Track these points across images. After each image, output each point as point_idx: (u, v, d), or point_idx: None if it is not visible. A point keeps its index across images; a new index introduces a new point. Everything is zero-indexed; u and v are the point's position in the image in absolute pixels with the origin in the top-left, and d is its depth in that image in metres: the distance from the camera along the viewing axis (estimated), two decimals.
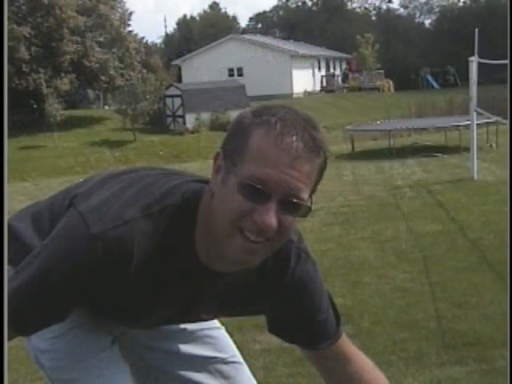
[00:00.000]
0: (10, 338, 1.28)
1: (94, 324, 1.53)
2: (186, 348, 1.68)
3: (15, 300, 1.26)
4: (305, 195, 1.19)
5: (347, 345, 1.57)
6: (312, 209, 1.22)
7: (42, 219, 1.48)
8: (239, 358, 1.74)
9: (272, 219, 1.17)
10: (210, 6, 61.77)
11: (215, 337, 1.71)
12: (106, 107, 35.61)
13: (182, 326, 1.67)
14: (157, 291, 1.35)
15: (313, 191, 1.23)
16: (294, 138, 1.17)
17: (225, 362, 1.70)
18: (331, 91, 40.52)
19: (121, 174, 1.44)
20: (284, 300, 1.45)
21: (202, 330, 1.69)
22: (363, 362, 1.58)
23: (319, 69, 42.57)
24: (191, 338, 1.68)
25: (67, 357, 1.50)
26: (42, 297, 1.27)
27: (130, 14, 33.76)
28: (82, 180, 1.55)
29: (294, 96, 36.11)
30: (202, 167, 12.26)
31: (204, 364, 1.68)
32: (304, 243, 1.45)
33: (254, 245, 1.20)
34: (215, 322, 1.73)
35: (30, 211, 1.55)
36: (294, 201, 1.18)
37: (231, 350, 1.73)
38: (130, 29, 33.78)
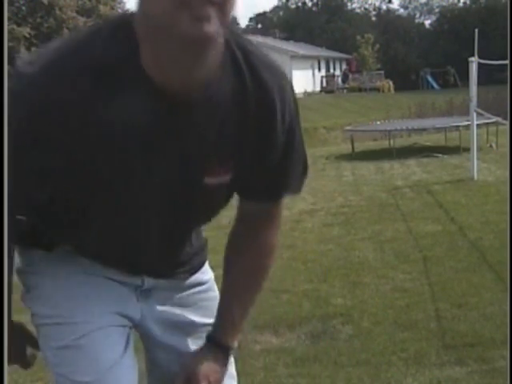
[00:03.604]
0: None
1: (100, 323, 1.42)
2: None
3: (9, 186, 1.15)
4: None
5: (276, 215, 1.46)
6: None
7: None
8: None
9: None
10: None
11: None
12: None
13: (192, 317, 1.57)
14: (126, 139, 1.20)
15: None
16: None
17: None
18: (331, 92, 40.53)
19: None
20: (257, 123, 1.28)
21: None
22: (266, 244, 1.47)
23: (319, 69, 42.60)
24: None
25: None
26: (19, 166, 1.17)
27: None
28: None
29: None
30: None
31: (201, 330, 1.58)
32: (243, 37, 1.30)
33: (203, 13, 1.07)
34: None
35: None
36: None
37: None
38: None
